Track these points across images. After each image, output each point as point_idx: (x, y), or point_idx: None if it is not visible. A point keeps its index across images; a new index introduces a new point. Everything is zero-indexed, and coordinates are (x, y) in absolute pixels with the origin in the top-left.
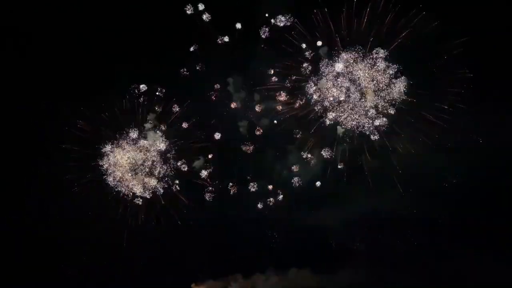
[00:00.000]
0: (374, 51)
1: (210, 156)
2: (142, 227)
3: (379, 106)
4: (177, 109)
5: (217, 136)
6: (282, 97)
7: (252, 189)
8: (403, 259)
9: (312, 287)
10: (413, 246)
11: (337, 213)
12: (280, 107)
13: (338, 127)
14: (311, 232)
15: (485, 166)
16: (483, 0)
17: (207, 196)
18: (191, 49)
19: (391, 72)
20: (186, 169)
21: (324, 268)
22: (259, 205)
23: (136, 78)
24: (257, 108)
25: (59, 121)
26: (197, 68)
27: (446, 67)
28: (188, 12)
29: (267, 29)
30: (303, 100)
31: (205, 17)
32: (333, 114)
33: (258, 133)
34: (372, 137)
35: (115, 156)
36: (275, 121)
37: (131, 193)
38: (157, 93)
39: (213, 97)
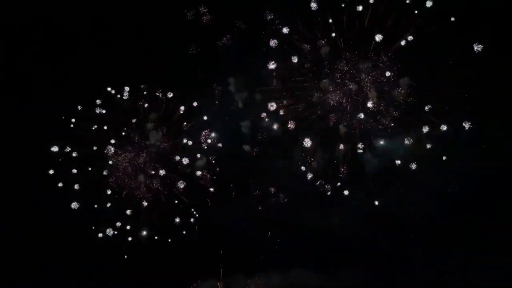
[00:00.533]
0: (377, 51)
1: (211, 157)
2: (143, 227)
3: (382, 107)
4: (178, 110)
5: (219, 137)
6: (284, 98)
7: (254, 191)
8: (404, 259)
9: (314, 287)
10: (414, 246)
11: (338, 214)
12: (282, 108)
13: (340, 127)
14: (313, 232)
15: (487, 167)
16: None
17: (209, 197)
18: (192, 49)
19: (393, 73)
20: (188, 170)
21: (326, 268)
22: (261, 207)
23: (137, 78)
24: (259, 109)
25: (59, 121)
26: (198, 68)
27: (449, 68)
28: (189, 13)
29: (268, 30)
30: (305, 101)
31: (206, 18)
32: (335, 115)
33: (259, 134)
34: (374, 137)
35: (116, 157)
36: (276, 123)
37: (132, 194)
38: (158, 94)
39: (214, 98)
